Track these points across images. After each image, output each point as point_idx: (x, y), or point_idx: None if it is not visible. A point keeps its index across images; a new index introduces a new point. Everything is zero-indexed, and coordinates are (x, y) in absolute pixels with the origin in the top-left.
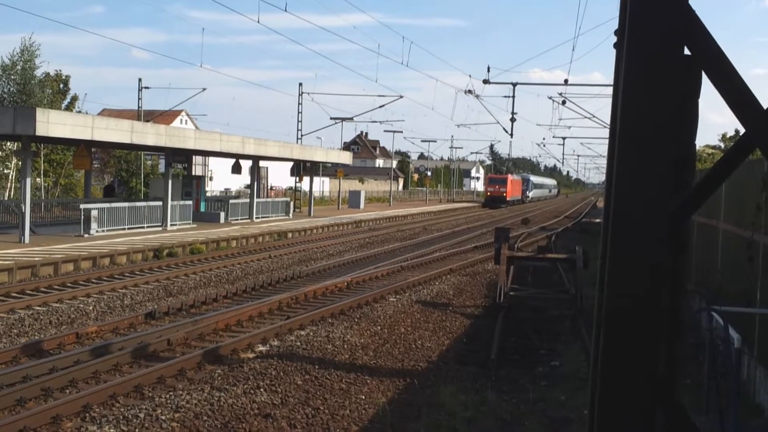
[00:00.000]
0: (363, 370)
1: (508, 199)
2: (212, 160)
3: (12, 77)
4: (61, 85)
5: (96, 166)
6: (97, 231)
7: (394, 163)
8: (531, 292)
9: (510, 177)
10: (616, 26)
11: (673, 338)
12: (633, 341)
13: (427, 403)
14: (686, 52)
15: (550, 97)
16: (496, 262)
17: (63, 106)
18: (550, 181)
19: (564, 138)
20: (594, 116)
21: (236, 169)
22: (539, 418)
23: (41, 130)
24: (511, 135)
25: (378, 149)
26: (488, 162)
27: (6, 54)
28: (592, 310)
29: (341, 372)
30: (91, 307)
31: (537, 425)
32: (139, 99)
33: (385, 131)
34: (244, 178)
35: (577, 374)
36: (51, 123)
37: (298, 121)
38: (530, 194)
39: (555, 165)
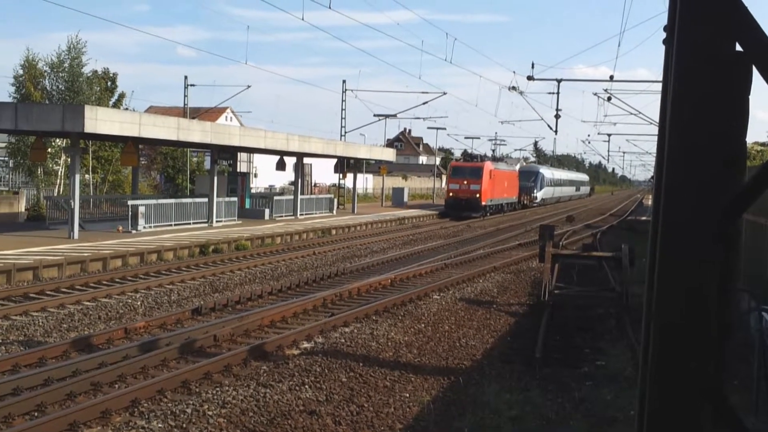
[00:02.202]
0: (407, 367)
1: (485, 203)
2: (257, 157)
3: (60, 75)
4: (109, 83)
5: (143, 162)
6: (144, 227)
7: (438, 160)
8: (576, 291)
9: (490, 166)
10: (663, 21)
11: (721, 338)
12: (683, 341)
13: (471, 402)
14: (737, 48)
15: (595, 94)
16: (540, 260)
17: (110, 103)
18: (578, 176)
19: (609, 135)
20: (640, 113)
21: (280, 165)
22: (585, 417)
23: (89, 127)
24: (556, 132)
25: (421, 146)
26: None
27: (53, 52)
28: (638, 309)
29: (385, 369)
30: (139, 303)
31: (582, 425)
32: (185, 96)
33: (428, 128)
34: (289, 175)
35: (623, 373)
36: (99, 120)
37: (342, 118)
38: (540, 194)
39: (600, 162)
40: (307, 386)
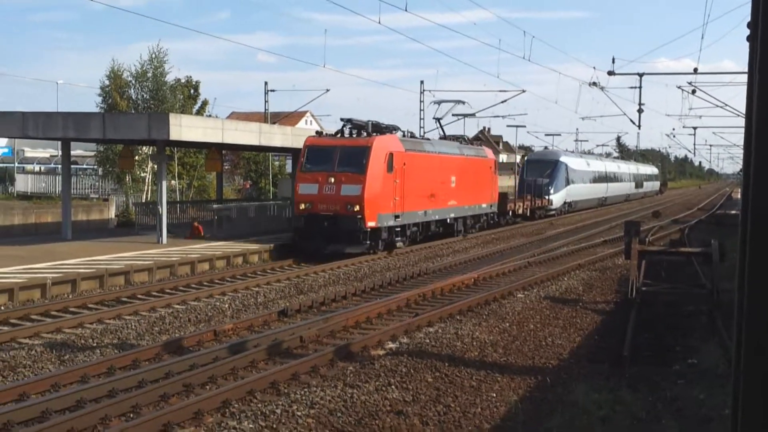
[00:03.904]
0: (493, 367)
1: (373, 224)
2: None
3: (145, 84)
4: (192, 90)
5: (227, 167)
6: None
7: (518, 158)
8: (664, 287)
9: (392, 144)
10: (747, 11)
11: None
12: None
13: (559, 402)
14: None
15: (679, 87)
16: (626, 257)
17: (194, 110)
18: (638, 168)
19: (695, 128)
20: (726, 105)
21: None
22: (676, 417)
23: (174, 134)
24: (639, 126)
25: (501, 144)
26: (615, 154)
27: (137, 62)
28: (730, 305)
29: (471, 369)
30: (227, 305)
31: (674, 425)
32: (265, 101)
33: (507, 126)
34: None
35: (715, 372)
36: (183, 127)
37: (420, 119)
38: (559, 196)
39: (686, 156)
40: (393, 386)
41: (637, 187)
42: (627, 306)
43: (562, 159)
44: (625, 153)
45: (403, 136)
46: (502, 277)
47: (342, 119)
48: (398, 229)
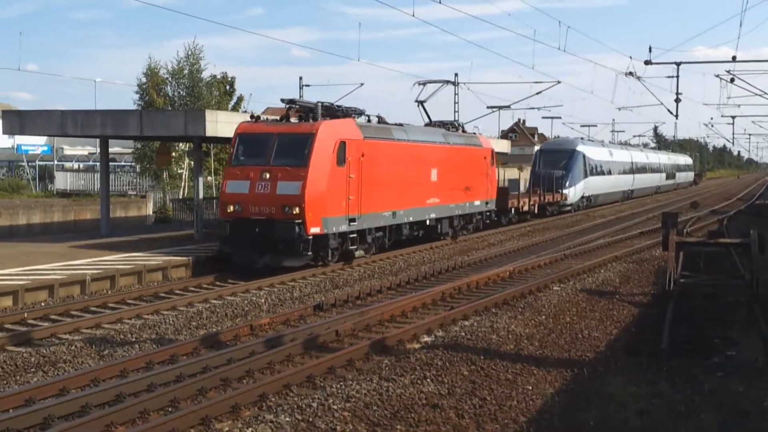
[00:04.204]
0: (529, 360)
1: (316, 230)
2: None
3: (181, 81)
4: (227, 86)
5: None
6: None
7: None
8: (702, 279)
9: (348, 129)
10: None
11: None
12: None
13: (596, 394)
14: None
15: (717, 75)
16: (664, 249)
17: (230, 106)
18: (669, 158)
19: (734, 117)
20: (766, 93)
21: None
22: (716, 410)
23: (210, 130)
24: (676, 116)
25: (536, 136)
26: (652, 145)
27: (173, 59)
28: None
29: (507, 362)
30: (263, 300)
31: (713, 418)
32: (300, 96)
33: (543, 117)
34: None
35: (756, 364)
36: (219, 123)
37: (455, 111)
38: (576, 190)
39: (725, 145)
40: (428, 380)
41: (668, 178)
42: (665, 298)
43: (579, 148)
44: (662, 143)
45: (368, 121)
46: (538, 270)
47: (283, 100)
48: (354, 235)
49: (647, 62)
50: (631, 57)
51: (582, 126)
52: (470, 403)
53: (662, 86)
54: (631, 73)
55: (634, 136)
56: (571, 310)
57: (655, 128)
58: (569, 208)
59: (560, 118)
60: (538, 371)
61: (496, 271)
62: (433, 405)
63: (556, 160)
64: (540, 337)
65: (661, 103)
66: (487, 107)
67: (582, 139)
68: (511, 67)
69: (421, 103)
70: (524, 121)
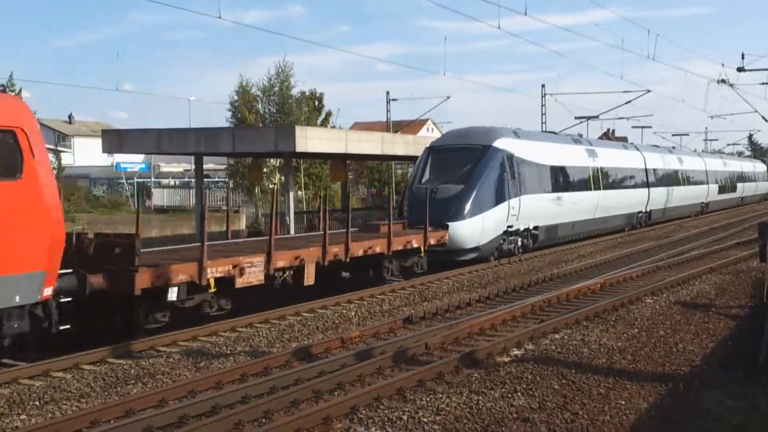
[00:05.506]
0: (622, 374)
1: None
2: None
3: (271, 98)
4: (316, 102)
5: (351, 177)
6: None
7: None
8: None
9: None
10: None
11: None
12: None
13: (691, 409)
14: None
15: None
16: (761, 260)
17: (318, 122)
18: (726, 164)
19: None
20: None
21: None
22: None
23: (300, 146)
24: None
25: None
26: (747, 153)
27: (264, 76)
28: None
29: (599, 376)
30: (353, 313)
31: None
32: (387, 111)
33: (632, 127)
34: None
35: None
36: (309, 139)
37: (542, 123)
38: (467, 224)
39: None
40: (519, 393)
41: (722, 191)
42: (762, 310)
43: (499, 144)
44: (757, 151)
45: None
46: (630, 282)
47: None
48: None
49: (740, 69)
50: (723, 64)
51: (673, 135)
52: (562, 418)
53: (757, 93)
54: (723, 81)
55: (728, 145)
56: (665, 323)
57: (750, 136)
58: (471, 255)
59: (650, 127)
60: (632, 385)
61: (586, 283)
62: (524, 419)
63: (454, 166)
64: (633, 351)
65: (756, 111)
66: (575, 117)
67: (515, 129)
68: (599, 77)
69: None
70: (613, 130)
